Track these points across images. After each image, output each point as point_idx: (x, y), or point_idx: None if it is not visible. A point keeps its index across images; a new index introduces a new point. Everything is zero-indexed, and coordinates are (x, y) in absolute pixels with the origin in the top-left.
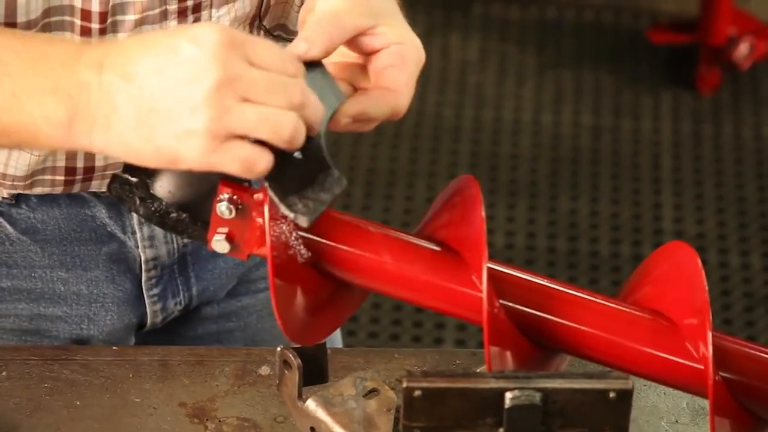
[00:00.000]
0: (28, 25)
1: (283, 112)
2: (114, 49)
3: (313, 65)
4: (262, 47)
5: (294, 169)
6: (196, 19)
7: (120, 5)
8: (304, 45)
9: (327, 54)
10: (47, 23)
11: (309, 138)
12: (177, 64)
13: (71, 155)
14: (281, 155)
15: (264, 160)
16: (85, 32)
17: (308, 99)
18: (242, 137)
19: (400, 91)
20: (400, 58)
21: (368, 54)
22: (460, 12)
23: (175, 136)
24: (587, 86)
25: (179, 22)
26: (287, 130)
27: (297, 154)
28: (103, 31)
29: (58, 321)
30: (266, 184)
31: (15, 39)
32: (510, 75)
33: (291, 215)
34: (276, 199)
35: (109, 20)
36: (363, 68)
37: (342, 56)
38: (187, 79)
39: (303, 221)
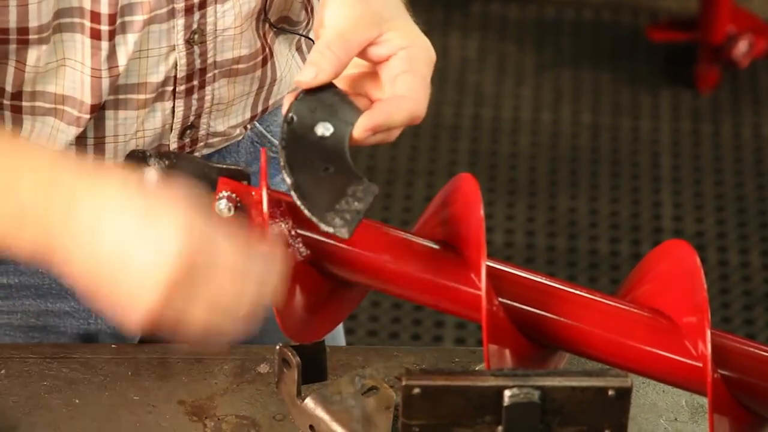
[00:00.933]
0: (40, 30)
1: (235, 303)
2: (86, 204)
3: (325, 86)
4: (223, 251)
5: (324, 185)
6: (202, 16)
7: (128, 6)
8: (312, 71)
9: (336, 76)
10: (58, 25)
11: (335, 152)
12: (130, 268)
13: (80, 151)
14: (309, 173)
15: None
16: (95, 34)
17: (256, 297)
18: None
19: (415, 97)
20: (410, 63)
21: (378, 63)
22: (459, 11)
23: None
24: (586, 85)
25: (186, 19)
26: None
27: (325, 171)
28: (112, 33)
29: (66, 316)
30: (299, 204)
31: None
32: (509, 74)
33: (330, 230)
34: (314, 218)
35: (118, 21)
36: (375, 76)
37: (353, 67)
38: (132, 291)
39: (344, 233)
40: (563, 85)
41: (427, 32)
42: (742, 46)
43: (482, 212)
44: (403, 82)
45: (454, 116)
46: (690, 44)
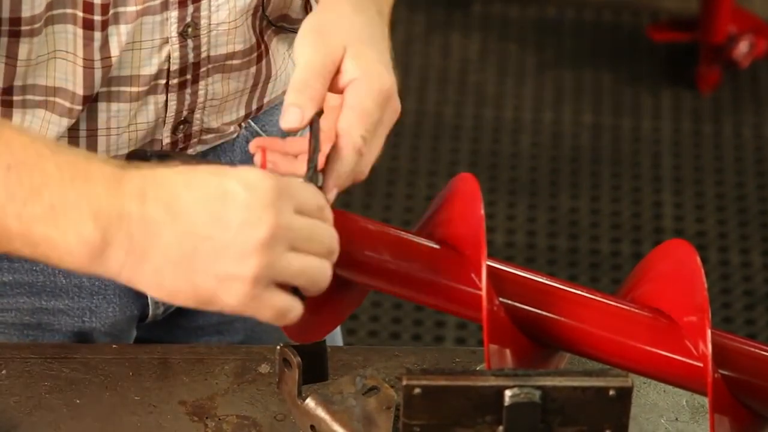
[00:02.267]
0: (33, 20)
1: (321, 262)
2: (157, 180)
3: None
4: (306, 194)
5: None
6: (196, 9)
7: None
8: (298, 115)
9: (318, 108)
10: (50, 17)
11: None
12: (229, 207)
13: (72, 144)
14: None
15: (296, 310)
16: (88, 24)
17: (337, 246)
18: (280, 285)
19: (351, 133)
20: (355, 97)
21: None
22: (460, 11)
23: (217, 279)
24: (587, 85)
25: (180, 12)
26: (323, 280)
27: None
28: (105, 23)
29: (60, 314)
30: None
31: (57, 153)
32: (510, 74)
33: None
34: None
35: (111, 12)
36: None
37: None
38: (240, 223)
39: None
40: (564, 85)
41: (428, 32)
42: (742, 47)
43: (483, 212)
44: (343, 118)
45: (455, 116)
46: (691, 44)
